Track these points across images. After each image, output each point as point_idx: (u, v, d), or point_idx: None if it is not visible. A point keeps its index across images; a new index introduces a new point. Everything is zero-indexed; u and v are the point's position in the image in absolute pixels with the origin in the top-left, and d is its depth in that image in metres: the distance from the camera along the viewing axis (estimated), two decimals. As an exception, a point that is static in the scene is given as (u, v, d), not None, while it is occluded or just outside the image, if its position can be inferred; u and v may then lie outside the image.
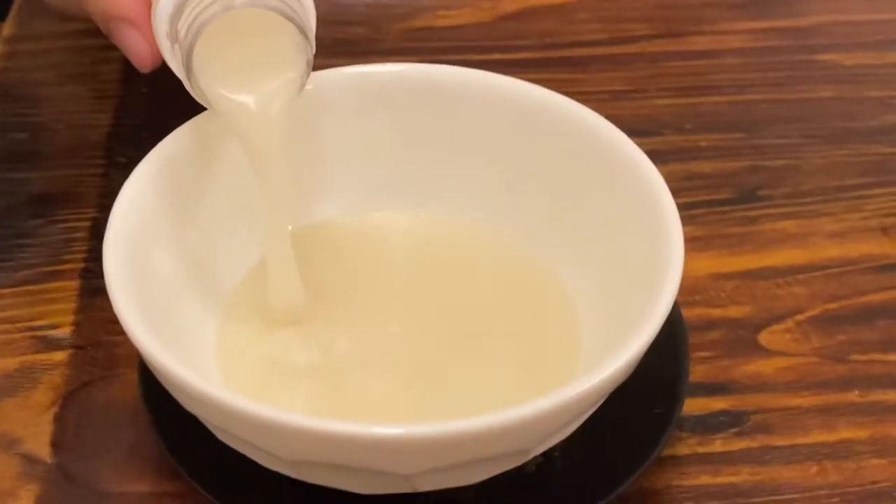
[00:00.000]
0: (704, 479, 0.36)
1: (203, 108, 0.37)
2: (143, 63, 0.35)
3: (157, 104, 0.48)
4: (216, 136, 0.37)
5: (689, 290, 0.40)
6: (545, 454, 0.34)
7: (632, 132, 0.36)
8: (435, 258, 0.38)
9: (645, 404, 0.35)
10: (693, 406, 0.37)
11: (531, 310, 0.37)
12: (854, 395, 0.38)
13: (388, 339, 0.36)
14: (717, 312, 0.41)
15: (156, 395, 0.33)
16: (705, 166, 0.47)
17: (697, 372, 0.38)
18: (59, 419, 0.37)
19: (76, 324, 0.39)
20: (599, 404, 0.32)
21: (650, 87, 0.50)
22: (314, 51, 0.34)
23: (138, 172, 0.35)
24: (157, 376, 0.31)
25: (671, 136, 0.48)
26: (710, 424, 0.37)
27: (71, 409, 0.37)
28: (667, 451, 0.36)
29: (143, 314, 0.31)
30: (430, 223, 0.39)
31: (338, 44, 0.51)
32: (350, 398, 0.34)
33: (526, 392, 0.32)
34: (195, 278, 0.36)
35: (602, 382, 0.30)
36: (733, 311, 0.41)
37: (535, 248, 0.38)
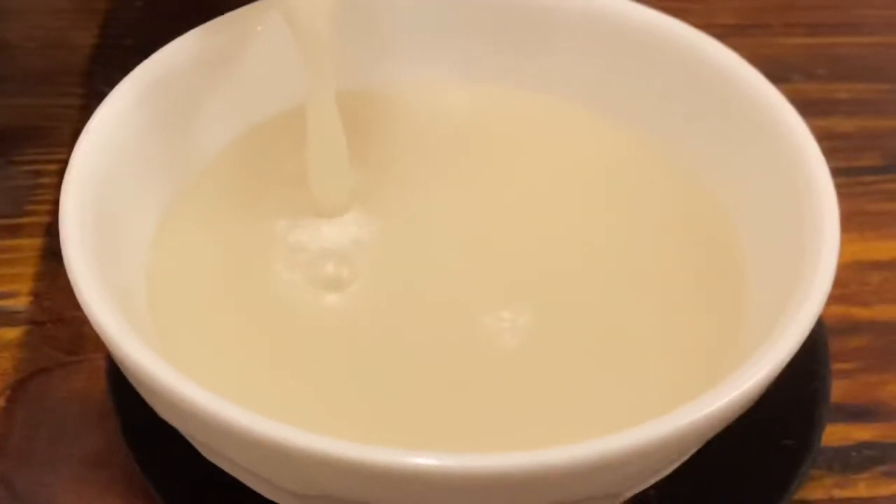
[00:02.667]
0: (843, 534, 0.31)
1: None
2: None
3: (153, 22, 0.44)
4: (221, 52, 0.32)
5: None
6: (638, 497, 0.28)
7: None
8: (530, 150, 0.34)
9: (769, 432, 0.30)
10: (830, 435, 0.32)
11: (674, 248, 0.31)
12: None
13: (439, 276, 0.30)
14: (860, 313, 0.36)
15: (128, 389, 0.28)
16: (845, 124, 0.41)
17: (836, 390, 0.33)
18: (4, 415, 0.32)
19: (35, 293, 0.36)
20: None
21: (774, 22, 0.45)
22: None
23: (114, 99, 0.30)
24: (130, 378, 0.26)
25: (801, 83, 0.43)
26: (851, 460, 0.32)
27: (21, 402, 0.33)
28: (796, 495, 0.30)
29: (113, 295, 0.26)
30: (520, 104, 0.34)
31: None
32: (380, 387, 0.28)
33: (639, 392, 0.27)
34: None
35: (717, 412, 0.24)
36: (881, 312, 0.36)
37: (676, 155, 0.33)
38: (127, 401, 0.30)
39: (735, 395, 0.24)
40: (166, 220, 0.31)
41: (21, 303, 0.35)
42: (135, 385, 0.26)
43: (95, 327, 0.26)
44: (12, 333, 0.34)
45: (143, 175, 0.30)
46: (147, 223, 0.30)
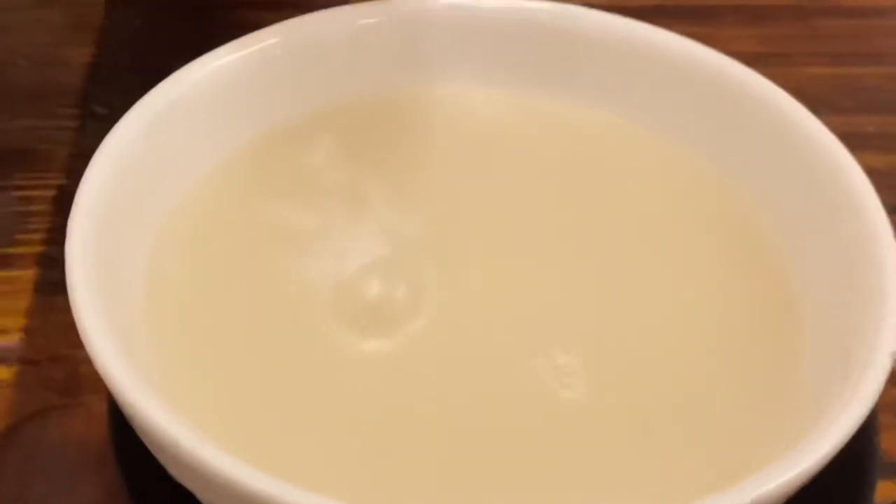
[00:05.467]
0: None
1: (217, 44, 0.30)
2: None
3: (150, 39, 0.42)
4: (234, 78, 0.30)
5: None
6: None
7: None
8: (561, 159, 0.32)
9: (818, 491, 0.28)
10: (884, 493, 0.30)
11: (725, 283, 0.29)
12: None
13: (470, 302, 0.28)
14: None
15: (129, 435, 0.26)
16: (875, 160, 0.39)
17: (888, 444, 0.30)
18: (-5, 463, 0.30)
19: (27, 330, 0.33)
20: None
21: (797, 51, 0.43)
22: None
23: (121, 129, 0.28)
24: (140, 434, 0.24)
25: (826, 115, 0.40)
26: (901, 519, 0.30)
27: (13, 448, 0.31)
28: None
29: (120, 342, 0.24)
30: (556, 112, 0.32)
31: None
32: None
33: (696, 455, 0.25)
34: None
35: (783, 487, 0.23)
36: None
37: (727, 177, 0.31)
38: (129, 447, 0.28)
39: (800, 469, 0.23)
40: (167, 246, 0.28)
41: (12, 340, 0.33)
42: (146, 442, 0.24)
43: (106, 380, 0.23)
44: (4, 373, 0.32)
45: (144, 205, 0.28)
46: (147, 254, 0.28)
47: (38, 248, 0.35)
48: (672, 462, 0.25)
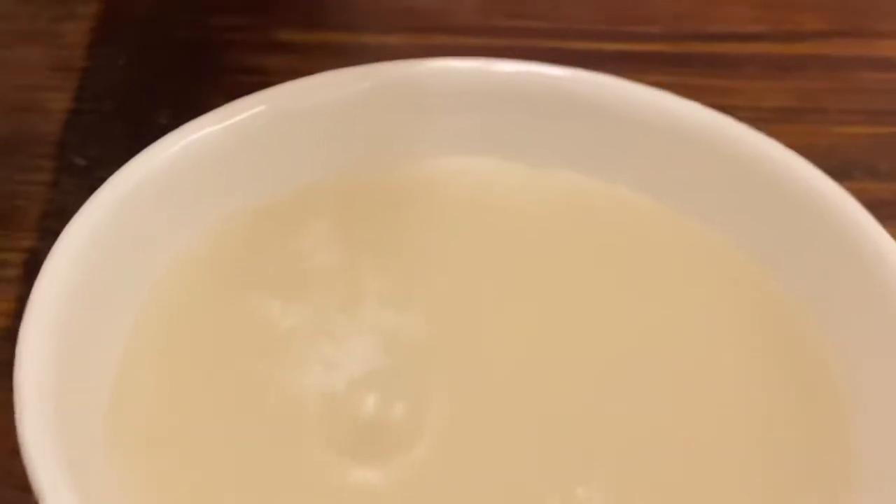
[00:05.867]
0: None
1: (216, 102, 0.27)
2: None
3: (136, 83, 0.39)
4: (214, 152, 0.27)
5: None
6: None
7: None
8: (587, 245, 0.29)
9: None
10: None
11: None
12: None
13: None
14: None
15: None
16: (917, 232, 0.36)
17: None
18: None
19: None
20: None
21: (829, 107, 0.40)
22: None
23: (86, 215, 0.25)
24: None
25: (864, 181, 0.38)
26: None
27: None
28: None
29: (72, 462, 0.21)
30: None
31: (398, 15, 0.42)
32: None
33: None
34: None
35: None
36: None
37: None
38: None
39: None
40: (135, 351, 0.25)
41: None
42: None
43: None
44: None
45: (110, 303, 0.25)
46: (112, 361, 0.25)
47: (5, 323, 0.32)
48: None
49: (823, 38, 0.42)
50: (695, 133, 0.29)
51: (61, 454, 0.21)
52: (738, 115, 0.36)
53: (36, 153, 0.37)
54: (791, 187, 0.28)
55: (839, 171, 0.37)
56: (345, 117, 0.28)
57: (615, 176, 0.29)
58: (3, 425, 0.29)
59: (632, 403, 0.25)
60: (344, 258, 0.27)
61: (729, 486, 0.24)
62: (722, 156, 0.29)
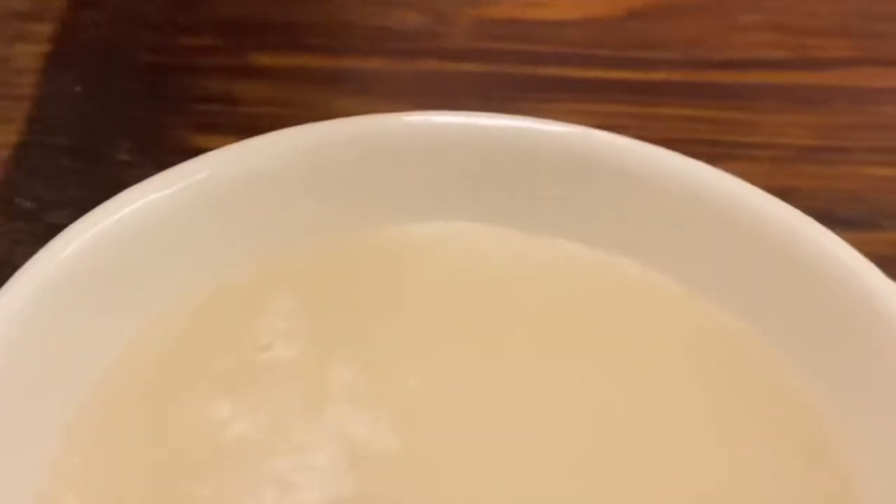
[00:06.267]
0: None
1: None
2: None
3: (92, 113, 0.36)
4: (158, 225, 0.24)
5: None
6: None
7: (829, 218, 0.25)
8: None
9: None
10: None
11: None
12: None
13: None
14: None
15: None
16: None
17: None
18: None
19: None
20: None
21: (856, 145, 0.36)
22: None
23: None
24: None
25: (890, 230, 0.34)
26: None
27: None
28: None
29: None
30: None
31: (383, 36, 0.38)
32: None
33: None
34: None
35: None
36: None
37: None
38: None
39: None
40: (59, 472, 0.22)
41: None
42: None
43: None
44: None
45: (32, 415, 0.22)
46: (34, 483, 0.21)
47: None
48: None
49: (849, 67, 0.39)
50: (704, 200, 0.25)
51: None
52: (755, 153, 0.33)
53: (-24, 194, 0.33)
54: (803, 258, 0.24)
55: (865, 220, 0.34)
56: (310, 180, 0.25)
57: (616, 246, 0.26)
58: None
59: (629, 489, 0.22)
60: (307, 347, 0.24)
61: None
62: (732, 227, 0.25)
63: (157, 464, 0.22)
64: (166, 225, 0.23)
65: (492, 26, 0.39)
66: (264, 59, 0.38)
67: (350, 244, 0.25)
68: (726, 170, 0.26)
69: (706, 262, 0.25)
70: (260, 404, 0.23)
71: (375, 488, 0.22)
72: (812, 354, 0.24)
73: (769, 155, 0.36)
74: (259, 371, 0.23)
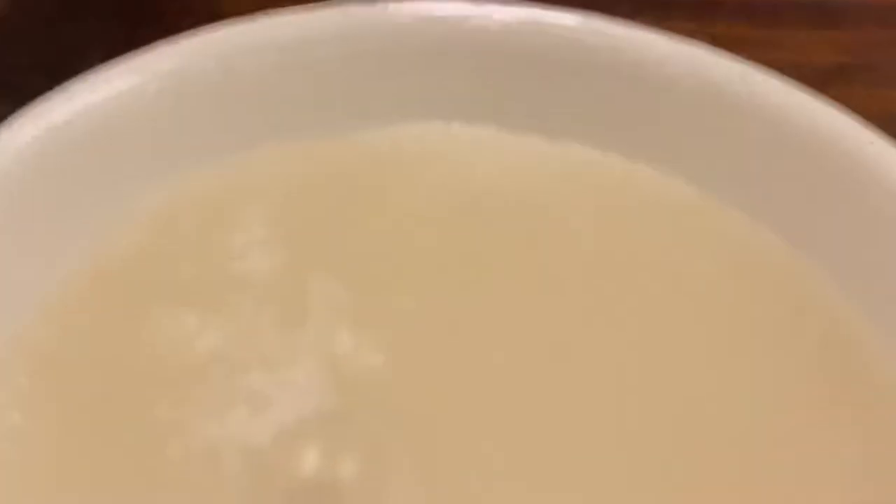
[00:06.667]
0: None
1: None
2: None
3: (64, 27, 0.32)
4: (117, 121, 0.21)
5: None
6: None
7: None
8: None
9: None
10: None
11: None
12: None
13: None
14: None
15: None
16: None
17: None
18: None
19: None
20: None
21: (884, 63, 0.34)
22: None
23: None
24: None
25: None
26: None
27: None
28: None
29: None
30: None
31: None
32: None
33: None
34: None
35: None
36: None
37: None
38: None
39: None
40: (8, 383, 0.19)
41: None
42: None
43: None
44: None
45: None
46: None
47: None
48: None
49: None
50: (732, 99, 0.23)
51: None
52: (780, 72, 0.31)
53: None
54: (839, 167, 0.22)
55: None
56: (291, 73, 0.22)
57: (635, 152, 0.23)
58: None
59: (638, 450, 0.19)
60: (284, 258, 0.21)
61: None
62: (757, 128, 0.22)
63: (113, 383, 0.19)
64: (123, 122, 0.21)
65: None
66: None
67: (331, 150, 0.23)
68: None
69: (721, 163, 0.23)
70: (231, 318, 0.20)
71: (358, 407, 0.19)
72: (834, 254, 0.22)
73: (794, 74, 0.33)
74: (228, 284, 0.21)
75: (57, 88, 0.21)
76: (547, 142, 0.23)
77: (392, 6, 0.23)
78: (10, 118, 0.20)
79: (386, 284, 0.21)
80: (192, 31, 0.22)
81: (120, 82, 0.21)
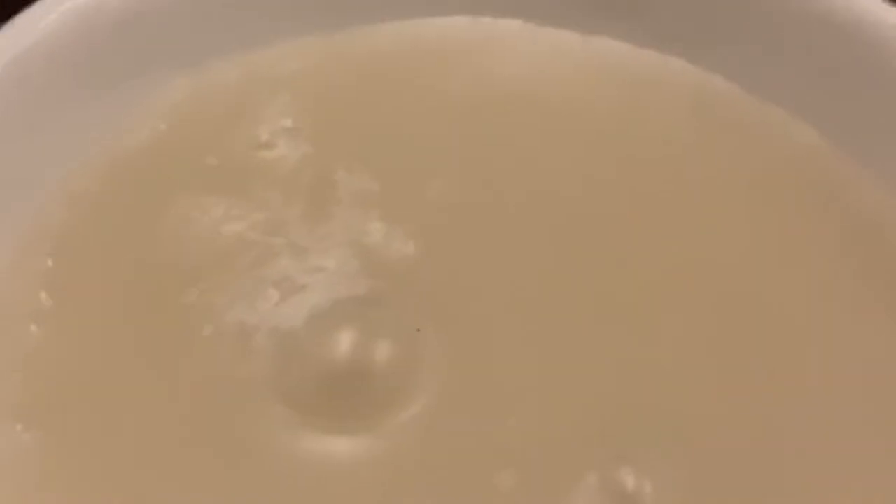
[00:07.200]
0: None
1: None
2: None
3: None
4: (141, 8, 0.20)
5: None
6: None
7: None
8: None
9: None
10: None
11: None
12: None
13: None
14: None
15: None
16: None
17: None
18: None
19: None
20: None
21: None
22: None
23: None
24: None
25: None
26: None
27: None
28: None
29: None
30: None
31: None
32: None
33: None
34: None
35: None
36: None
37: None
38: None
39: None
40: (34, 266, 0.18)
41: None
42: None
43: None
44: None
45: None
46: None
47: None
48: None
49: None
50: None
51: None
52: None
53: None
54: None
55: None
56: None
57: (670, 46, 0.22)
58: None
59: (679, 345, 0.19)
60: (310, 149, 0.20)
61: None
62: (803, 22, 0.22)
63: (139, 268, 0.19)
64: (147, 14, 0.20)
65: None
66: None
67: (356, 43, 0.22)
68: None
69: (761, 59, 0.22)
70: (258, 207, 0.19)
71: (390, 292, 0.18)
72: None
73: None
74: (256, 172, 0.20)
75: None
76: (577, 36, 0.22)
77: None
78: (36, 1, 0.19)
79: (414, 175, 0.20)
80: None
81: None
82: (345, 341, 0.18)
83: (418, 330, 0.18)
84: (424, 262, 0.19)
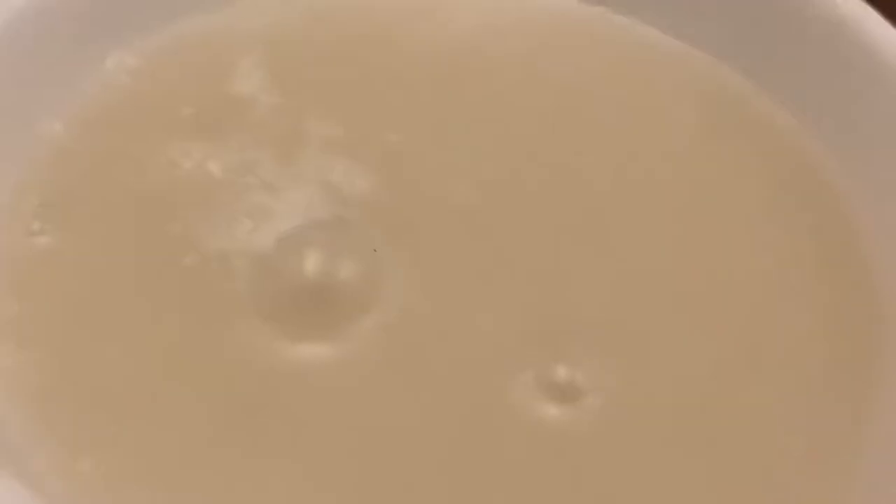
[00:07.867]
0: None
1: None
2: None
3: None
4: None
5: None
6: None
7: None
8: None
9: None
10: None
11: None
12: None
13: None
14: None
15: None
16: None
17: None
18: None
19: None
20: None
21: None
22: None
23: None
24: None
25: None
26: None
27: None
28: None
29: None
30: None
31: None
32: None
33: None
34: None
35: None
36: None
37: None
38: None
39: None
40: (23, 202, 0.21)
41: None
42: None
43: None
44: None
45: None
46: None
47: None
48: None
49: None
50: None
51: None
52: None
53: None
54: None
55: None
56: None
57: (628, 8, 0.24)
58: None
59: (633, 268, 0.21)
60: (281, 99, 0.22)
61: (740, 394, 0.20)
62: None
63: (124, 208, 0.21)
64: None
65: None
66: None
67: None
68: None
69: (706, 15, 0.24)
70: (233, 151, 0.21)
71: (354, 219, 0.21)
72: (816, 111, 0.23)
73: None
74: (229, 118, 0.22)
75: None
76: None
77: None
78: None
79: (377, 122, 0.22)
80: None
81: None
82: (312, 261, 0.20)
83: (375, 250, 0.20)
84: (383, 193, 0.21)
